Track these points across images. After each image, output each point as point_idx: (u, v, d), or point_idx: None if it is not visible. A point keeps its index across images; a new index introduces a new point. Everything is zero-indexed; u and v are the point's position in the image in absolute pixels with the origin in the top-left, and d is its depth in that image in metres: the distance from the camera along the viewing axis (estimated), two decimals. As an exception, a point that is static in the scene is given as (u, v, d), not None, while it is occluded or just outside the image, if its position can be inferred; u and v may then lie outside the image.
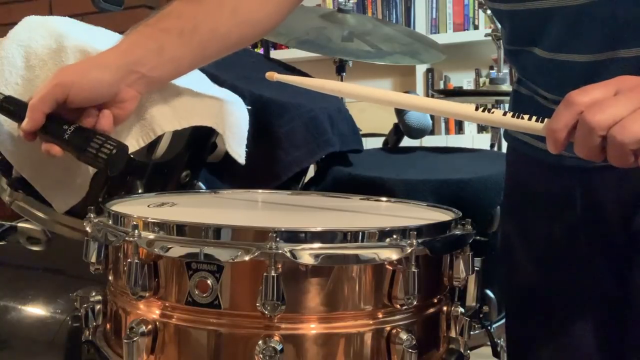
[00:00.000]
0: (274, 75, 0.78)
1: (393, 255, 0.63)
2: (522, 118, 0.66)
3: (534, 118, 0.65)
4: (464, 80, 3.26)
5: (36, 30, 0.91)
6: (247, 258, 0.60)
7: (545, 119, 0.64)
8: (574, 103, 0.61)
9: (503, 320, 1.24)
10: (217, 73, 1.05)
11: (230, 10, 0.87)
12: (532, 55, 0.80)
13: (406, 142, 1.60)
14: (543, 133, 0.64)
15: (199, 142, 1.01)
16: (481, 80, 3.18)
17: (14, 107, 0.82)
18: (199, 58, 0.88)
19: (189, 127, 0.91)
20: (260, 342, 0.61)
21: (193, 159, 1.03)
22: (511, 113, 0.67)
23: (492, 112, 0.67)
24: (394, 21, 3.30)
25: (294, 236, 0.61)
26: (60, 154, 0.80)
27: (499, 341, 0.98)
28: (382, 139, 1.62)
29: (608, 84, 0.61)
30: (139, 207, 0.80)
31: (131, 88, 0.82)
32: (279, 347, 0.61)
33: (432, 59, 2.18)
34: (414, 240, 0.64)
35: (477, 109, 0.68)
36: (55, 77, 0.80)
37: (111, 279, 0.73)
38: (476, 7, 3.13)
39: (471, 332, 0.74)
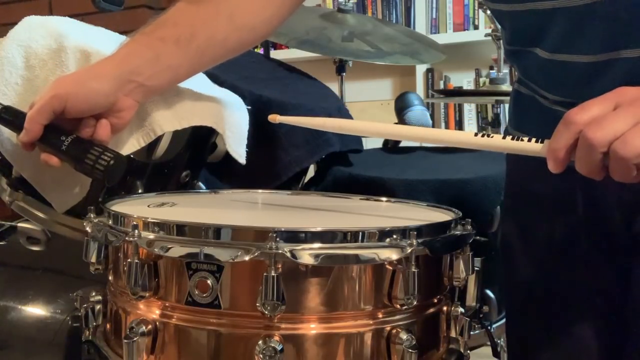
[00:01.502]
0: (276, 118, 0.80)
1: (393, 255, 0.63)
2: (522, 140, 0.66)
3: (534, 140, 0.65)
4: (464, 80, 3.26)
5: (36, 30, 0.91)
6: (247, 258, 0.60)
7: (545, 140, 0.65)
8: (573, 122, 0.61)
9: (503, 320, 1.25)
10: (217, 73, 1.05)
11: (227, 17, 0.87)
12: (533, 56, 0.80)
13: (406, 142, 1.59)
14: (543, 154, 0.64)
15: (199, 142, 1.01)
16: (481, 80, 3.18)
17: (12, 118, 0.83)
18: (196, 65, 0.88)
19: (189, 127, 0.91)
20: (260, 342, 0.61)
21: (193, 159, 1.03)
22: (510, 136, 0.67)
23: (492, 137, 0.68)
24: (394, 21, 3.30)
25: (294, 236, 0.61)
26: (58, 164, 0.80)
27: (499, 341, 0.98)
28: (382, 139, 1.62)
29: (607, 99, 0.61)
30: (139, 207, 0.80)
31: (128, 97, 0.82)
32: (279, 347, 0.61)
33: (432, 59, 2.18)
34: (414, 240, 0.64)
35: (476, 135, 0.69)
36: (52, 88, 0.80)
37: (111, 279, 0.73)
38: (476, 7, 3.13)
39: (471, 332, 0.74)
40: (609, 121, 0.59)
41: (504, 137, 0.67)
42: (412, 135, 0.74)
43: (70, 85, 0.80)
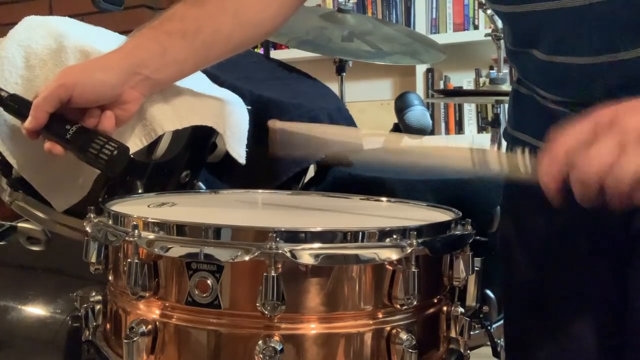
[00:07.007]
0: (276, 123, 0.80)
1: (393, 255, 0.63)
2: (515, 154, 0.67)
3: (527, 155, 0.66)
4: (464, 80, 3.26)
5: (36, 30, 0.91)
6: (247, 258, 0.60)
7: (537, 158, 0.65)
8: (557, 155, 0.62)
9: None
10: (217, 73, 1.05)
11: (232, 13, 0.87)
12: (532, 58, 0.80)
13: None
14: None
15: (199, 142, 1.01)
16: (481, 80, 3.18)
17: (18, 106, 0.83)
18: (202, 60, 0.89)
19: (189, 127, 0.91)
20: (260, 342, 0.61)
21: (193, 159, 1.03)
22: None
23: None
24: (394, 21, 3.30)
25: (294, 236, 0.61)
26: (62, 153, 0.80)
27: (499, 341, 0.98)
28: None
29: (585, 124, 0.61)
30: (139, 207, 0.80)
31: (134, 90, 0.82)
32: (279, 347, 0.61)
33: (432, 59, 2.18)
34: (414, 240, 0.64)
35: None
36: (60, 77, 0.80)
37: (111, 279, 0.73)
38: (476, 7, 3.13)
39: (471, 332, 0.74)
40: (594, 154, 0.59)
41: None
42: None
43: (77, 75, 0.80)
